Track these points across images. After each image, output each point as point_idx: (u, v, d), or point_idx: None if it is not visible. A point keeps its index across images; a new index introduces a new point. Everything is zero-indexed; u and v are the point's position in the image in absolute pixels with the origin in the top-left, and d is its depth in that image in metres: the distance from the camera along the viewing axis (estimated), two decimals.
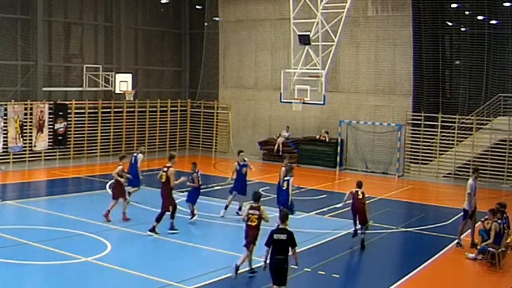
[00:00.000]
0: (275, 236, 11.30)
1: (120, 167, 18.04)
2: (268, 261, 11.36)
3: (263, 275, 13.44)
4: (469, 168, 27.42)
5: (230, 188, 19.26)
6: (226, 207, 18.96)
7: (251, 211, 13.38)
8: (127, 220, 17.76)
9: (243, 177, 19.09)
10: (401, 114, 29.45)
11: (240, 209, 19.00)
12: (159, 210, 16.50)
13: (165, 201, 16.58)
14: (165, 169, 16.70)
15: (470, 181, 16.27)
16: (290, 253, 11.36)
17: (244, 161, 19.17)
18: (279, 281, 11.31)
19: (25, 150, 28.37)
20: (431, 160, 28.94)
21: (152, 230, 16.38)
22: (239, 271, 12.97)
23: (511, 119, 26.67)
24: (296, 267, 12.99)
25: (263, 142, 32.93)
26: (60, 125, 29.58)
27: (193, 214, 18.14)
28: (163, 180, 16.60)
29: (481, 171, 27.01)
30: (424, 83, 29.36)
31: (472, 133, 27.59)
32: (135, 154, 20.38)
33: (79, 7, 31.95)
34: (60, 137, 29.57)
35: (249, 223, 13.38)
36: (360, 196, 16.20)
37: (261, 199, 13.63)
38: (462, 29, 28.92)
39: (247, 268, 13.34)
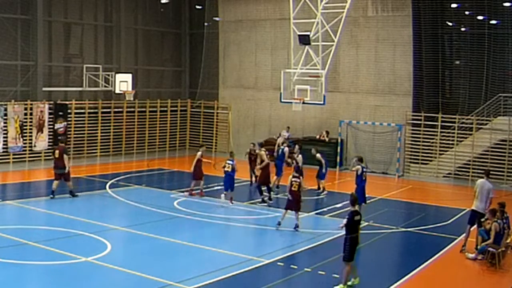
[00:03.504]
0: (356, 218, 12.50)
1: (200, 152, 21.79)
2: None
3: (264, 275, 13.46)
4: (469, 168, 27.47)
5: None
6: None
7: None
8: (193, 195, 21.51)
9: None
10: (401, 114, 29.45)
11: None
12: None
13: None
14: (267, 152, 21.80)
15: (491, 185, 15.97)
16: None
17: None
18: (354, 255, 12.55)
19: (25, 150, 28.37)
20: (431, 160, 28.93)
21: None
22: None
23: (511, 119, 26.66)
24: (295, 267, 13.00)
25: (263, 142, 32.89)
26: (60, 125, 29.58)
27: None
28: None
29: (481, 171, 27.16)
30: (424, 83, 29.34)
31: (472, 133, 27.58)
32: (282, 147, 24.10)
33: (79, 7, 31.94)
34: (60, 137, 29.53)
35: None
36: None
37: None
38: (462, 29, 28.91)
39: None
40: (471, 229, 16.01)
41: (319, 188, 23.42)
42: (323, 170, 23.44)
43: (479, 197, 15.86)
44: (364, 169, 18.97)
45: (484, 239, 15.05)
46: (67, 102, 30.21)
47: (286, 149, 24.07)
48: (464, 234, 16.26)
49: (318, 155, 23.42)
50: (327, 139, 30.74)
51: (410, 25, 28.96)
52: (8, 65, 28.47)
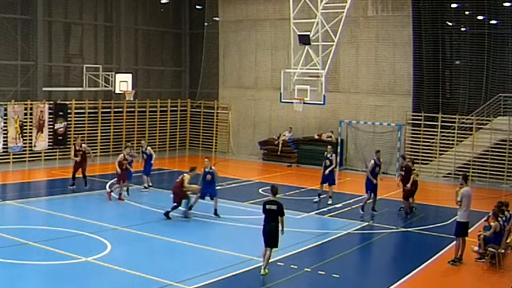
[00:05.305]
0: (267, 206, 13.01)
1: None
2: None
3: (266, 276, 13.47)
4: (469, 168, 27.45)
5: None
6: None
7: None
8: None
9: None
10: (401, 114, 29.45)
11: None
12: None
13: None
14: None
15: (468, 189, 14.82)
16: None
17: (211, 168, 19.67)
18: (271, 244, 13.00)
19: (25, 150, 28.37)
20: (431, 160, 28.92)
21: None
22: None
23: (511, 119, 26.66)
24: (295, 267, 13.00)
25: (263, 142, 32.93)
26: (60, 125, 29.59)
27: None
28: None
29: (481, 171, 27.25)
30: (424, 83, 29.35)
31: (472, 133, 27.59)
32: (372, 165, 20.73)
33: (79, 7, 31.95)
34: (60, 137, 29.57)
35: None
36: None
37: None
38: (462, 29, 28.92)
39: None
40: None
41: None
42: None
43: (468, 207, 14.80)
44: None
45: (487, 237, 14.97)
46: (67, 102, 30.22)
47: (372, 161, 21.12)
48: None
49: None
50: (334, 139, 30.54)
51: (410, 25, 28.97)
52: (8, 65, 28.48)
